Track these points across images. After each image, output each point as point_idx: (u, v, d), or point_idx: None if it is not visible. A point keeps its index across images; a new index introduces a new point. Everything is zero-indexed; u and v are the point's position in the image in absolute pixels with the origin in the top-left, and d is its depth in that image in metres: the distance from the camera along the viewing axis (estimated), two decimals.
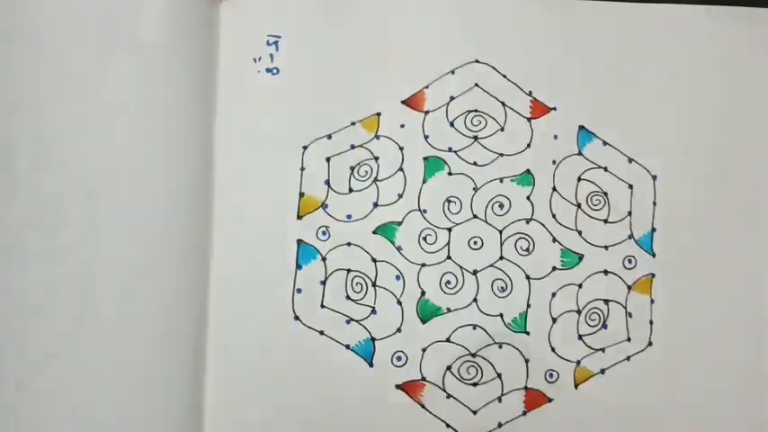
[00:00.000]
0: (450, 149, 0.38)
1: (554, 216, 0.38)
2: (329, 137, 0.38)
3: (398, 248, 0.38)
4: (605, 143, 0.38)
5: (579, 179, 0.38)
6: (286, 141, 0.38)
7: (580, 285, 0.38)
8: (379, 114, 0.38)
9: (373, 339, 0.37)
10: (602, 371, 0.37)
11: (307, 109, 0.38)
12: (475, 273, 0.38)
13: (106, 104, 0.35)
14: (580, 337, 0.38)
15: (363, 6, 0.38)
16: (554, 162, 0.38)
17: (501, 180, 0.38)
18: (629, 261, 0.38)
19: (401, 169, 0.38)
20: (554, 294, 0.38)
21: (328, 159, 0.38)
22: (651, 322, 0.38)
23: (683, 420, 0.37)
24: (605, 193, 0.38)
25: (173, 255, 0.35)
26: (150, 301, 0.35)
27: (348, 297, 0.37)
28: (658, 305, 0.38)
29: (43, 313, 0.34)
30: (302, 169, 0.38)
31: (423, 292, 0.38)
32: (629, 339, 0.38)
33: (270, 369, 0.37)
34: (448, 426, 0.37)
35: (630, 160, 0.38)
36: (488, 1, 0.38)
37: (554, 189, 0.38)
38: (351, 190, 0.38)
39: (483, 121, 0.38)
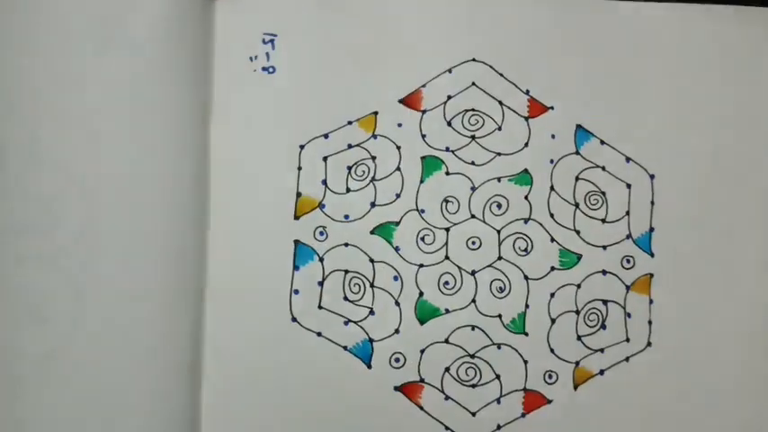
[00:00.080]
0: (447, 149, 0.38)
1: (552, 216, 0.38)
2: (326, 136, 0.38)
3: (396, 249, 0.37)
4: (603, 142, 0.38)
5: (577, 178, 0.38)
6: (282, 141, 0.37)
7: (579, 285, 0.38)
8: (376, 113, 0.38)
9: (371, 340, 0.37)
10: (602, 371, 0.37)
11: (303, 108, 0.38)
12: (473, 273, 0.38)
13: (101, 104, 0.34)
14: (579, 337, 0.37)
15: (360, 5, 0.38)
16: (552, 161, 0.38)
17: (499, 179, 0.38)
18: (628, 261, 0.38)
19: (398, 169, 0.38)
20: (553, 295, 0.38)
21: (325, 159, 0.38)
22: (650, 322, 0.37)
23: (683, 421, 0.37)
24: (603, 193, 0.38)
25: (169, 256, 0.35)
26: (147, 301, 0.34)
27: (346, 298, 0.37)
28: (657, 305, 0.38)
29: (39, 314, 0.34)
30: (299, 169, 0.37)
31: (421, 293, 0.37)
32: (627, 340, 0.37)
33: (267, 370, 0.36)
34: (447, 428, 0.37)
35: (628, 159, 0.38)
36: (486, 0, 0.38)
37: (552, 188, 0.38)
38: (348, 190, 0.38)
39: (480, 121, 0.38)
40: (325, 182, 0.38)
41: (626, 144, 0.38)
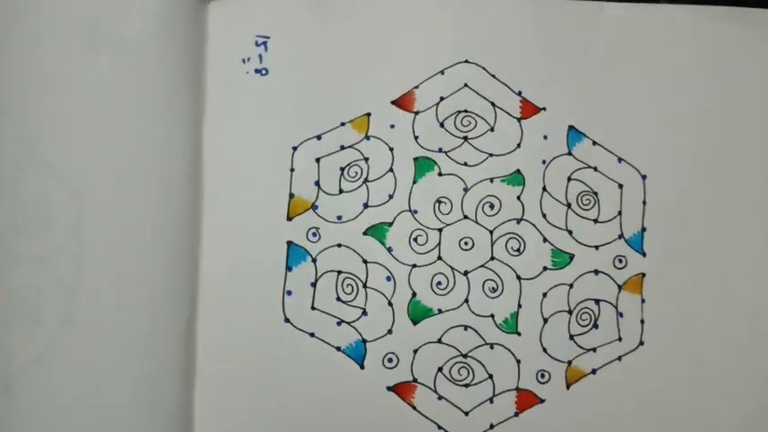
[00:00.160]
0: (440, 150, 0.38)
1: (544, 216, 0.38)
2: (319, 138, 0.38)
3: (389, 249, 0.38)
4: (595, 143, 0.38)
5: (569, 179, 0.38)
6: (275, 142, 0.37)
7: (571, 285, 0.38)
8: (368, 115, 0.38)
9: (364, 341, 0.37)
10: (594, 371, 0.37)
11: (296, 110, 0.38)
12: (466, 273, 0.38)
13: (93, 105, 0.34)
14: (571, 337, 0.38)
15: (353, 7, 0.38)
16: (544, 162, 0.38)
17: (491, 180, 0.38)
18: (620, 261, 0.38)
19: (391, 170, 0.38)
20: (545, 294, 0.38)
21: (318, 160, 0.38)
22: (642, 322, 0.38)
23: (675, 419, 0.37)
24: (595, 193, 0.38)
25: (161, 256, 0.35)
26: (139, 302, 0.34)
27: (339, 299, 0.37)
28: (649, 304, 0.38)
29: (31, 315, 0.34)
30: (292, 170, 0.38)
31: (414, 294, 0.37)
32: (620, 339, 0.38)
33: (260, 371, 0.36)
34: (440, 427, 0.37)
35: (620, 160, 0.38)
36: (478, 1, 0.38)
37: (544, 189, 0.38)
38: (341, 191, 0.38)
39: (473, 122, 0.38)
40: (317, 183, 0.38)
41: (618, 144, 0.38)
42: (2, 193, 0.34)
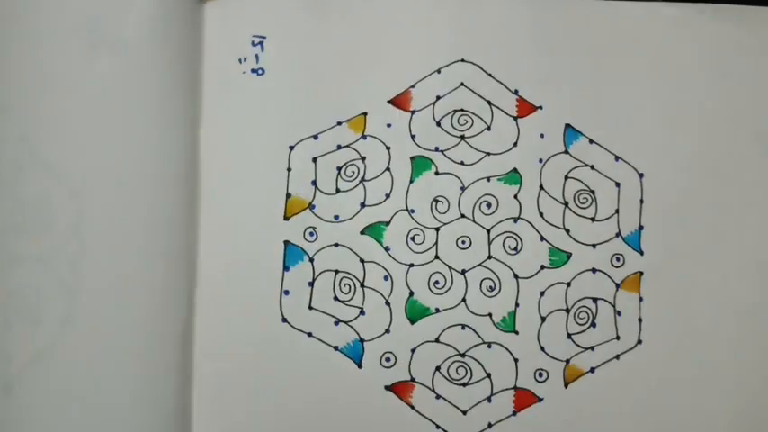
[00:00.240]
0: (436, 149, 0.38)
1: (541, 215, 0.38)
2: (316, 137, 0.38)
3: (386, 249, 0.38)
4: (592, 141, 0.38)
5: (566, 177, 0.38)
6: (272, 142, 0.38)
7: (568, 284, 0.38)
8: (365, 114, 0.38)
9: (362, 340, 0.37)
10: (592, 369, 0.37)
11: (293, 109, 0.38)
12: (463, 272, 0.38)
13: (90, 105, 0.34)
14: (569, 335, 0.38)
15: (349, 6, 0.38)
16: (541, 161, 0.38)
17: (488, 179, 0.38)
18: (618, 259, 0.38)
19: (388, 169, 0.38)
20: (542, 293, 0.38)
21: (315, 160, 0.38)
22: (640, 320, 0.38)
23: (673, 418, 0.37)
24: (592, 192, 0.38)
25: (159, 256, 0.35)
26: (137, 302, 0.34)
27: (336, 298, 0.37)
28: (647, 303, 0.38)
29: (30, 315, 0.34)
30: (289, 170, 0.38)
31: (411, 293, 0.37)
32: (618, 338, 0.38)
33: (258, 371, 0.36)
34: (438, 426, 0.37)
35: (617, 158, 0.38)
36: (474, 0, 0.38)
37: (541, 188, 0.38)
38: (338, 190, 0.38)
39: (469, 121, 0.38)
40: (314, 182, 0.38)
41: (615, 143, 0.38)
42: (2, 193, 0.34)
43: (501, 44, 0.38)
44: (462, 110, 0.38)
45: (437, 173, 0.38)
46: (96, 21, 0.34)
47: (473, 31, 0.38)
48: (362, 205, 0.38)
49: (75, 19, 0.34)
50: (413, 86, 0.38)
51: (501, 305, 0.38)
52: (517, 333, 0.37)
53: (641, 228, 0.38)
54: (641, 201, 0.38)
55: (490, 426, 0.37)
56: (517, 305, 0.38)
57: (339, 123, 0.38)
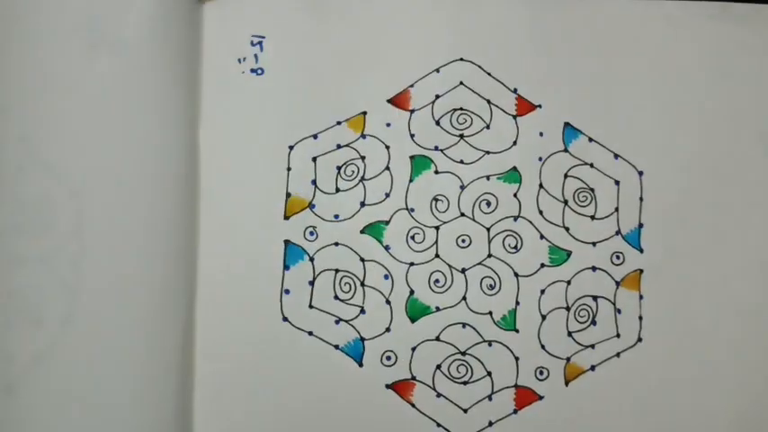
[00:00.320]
0: (436, 148, 0.38)
1: (541, 213, 0.38)
2: (315, 137, 0.38)
3: (386, 248, 0.38)
4: (591, 140, 0.38)
5: (566, 176, 0.38)
6: (272, 141, 0.38)
7: (569, 282, 0.38)
8: (364, 113, 0.38)
9: (362, 339, 0.37)
10: (593, 367, 0.37)
11: (292, 109, 0.38)
12: (463, 271, 0.38)
13: (89, 105, 0.34)
14: (570, 333, 0.38)
15: (347, 6, 0.38)
16: (540, 159, 0.38)
17: (488, 178, 0.38)
18: (618, 257, 0.38)
19: (388, 168, 0.38)
20: (543, 291, 0.38)
21: (315, 159, 0.38)
22: (640, 318, 0.38)
23: (674, 416, 0.37)
24: (592, 190, 0.38)
25: (159, 256, 0.35)
26: (137, 302, 0.34)
27: (336, 297, 0.37)
28: (647, 301, 0.38)
29: (31, 315, 0.34)
30: (288, 169, 0.38)
31: (411, 291, 0.37)
32: (618, 335, 0.38)
33: (259, 370, 0.36)
34: (438, 425, 0.37)
35: (617, 156, 0.38)
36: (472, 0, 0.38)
37: (541, 186, 0.38)
38: (338, 190, 0.38)
39: (469, 120, 0.38)
40: (314, 182, 0.38)
41: (614, 141, 0.38)
42: (2, 193, 0.34)
43: (500, 43, 0.38)
44: (461, 109, 0.38)
45: (437, 172, 0.38)
46: (96, 21, 0.35)
47: (472, 30, 0.38)
48: (362, 204, 0.38)
49: (75, 19, 0.34)
50: (412, 86, 0.38)
51: (501, 303, 0.38)
52: (517, 331, 0.37)
53: (641, 225, 0.38)
54: (641, 199, 0.38)
55: (491, 424, 0.37)
56: (517, 303, 0.38)
57: (339, 123, 0.38)
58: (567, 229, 0.38)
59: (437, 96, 0.38)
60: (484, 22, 0.38)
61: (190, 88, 0.37)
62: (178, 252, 0.36)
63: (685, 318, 0.37)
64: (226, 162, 0.37)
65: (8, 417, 0.34)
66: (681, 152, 0.38)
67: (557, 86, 0.38)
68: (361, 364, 0.37)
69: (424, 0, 0.38)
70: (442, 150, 0.38)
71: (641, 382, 0.37)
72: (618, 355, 0.37)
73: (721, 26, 0.39)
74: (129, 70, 0.35)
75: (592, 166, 0.38)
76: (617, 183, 0.38)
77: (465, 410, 0.37)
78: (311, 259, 0.37)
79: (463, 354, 0.37)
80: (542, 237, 0.38)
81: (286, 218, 0.37)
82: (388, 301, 0.37)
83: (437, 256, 0.38)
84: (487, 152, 0.38)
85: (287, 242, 0.37)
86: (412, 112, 0.38)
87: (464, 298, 0.38)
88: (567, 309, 0.38)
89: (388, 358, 0.37)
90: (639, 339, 0.37)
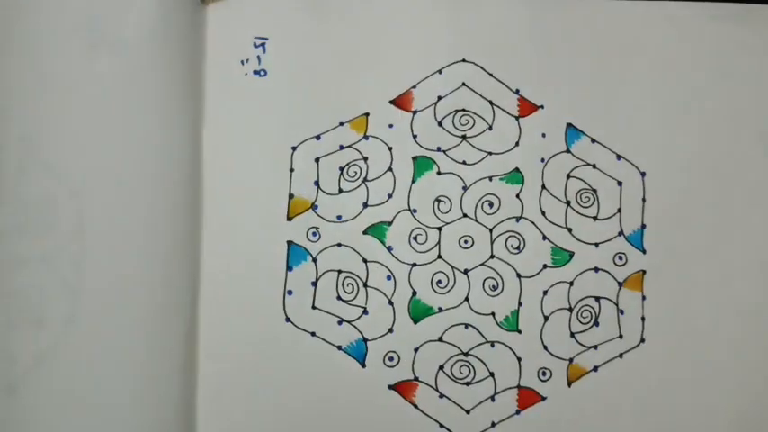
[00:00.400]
0: (438, 149, 0.38)
1: (544, 214, 0.38)
2: (318, 138, 0.38)
3: (389, 248, 0.38)
4: (593, 140, 0.38)
5: (568, 177, 0.38)
6: (274, 143, 0.38)
7: (571, 283, 0.38)
8: (367, 115, 0.38)
9: (365, 340, 0.37)
10: (595, 368, 0.37)
11: (295, 110, 0.38)
12: (466, 272, 0.38)
13: (92, 106, 0.35)
14: (572, 334, 0.38)
15: (350, 7, 0.38)
16: (543, 160, 0.38)
17: (490, 179, 0.38)
18: (620, 258, 0.38)
19: (390, 169, 0.38)
20: (545, 292, 0.38)
21: (317, 160, 0.38)
22: (643, 319, 0.38)
23: (676, 417, 0.37)
24: (594, 191, 0.38)
25: (162, 257, 0.35)
26: (140, 302, 0.34)
27: (339, 298, 0.37)
28: (650, 301, 0.38)
29: (34, 315, 0.34)
30: (291, 170, 0.38)
31: (414, 292, 0.37)
32: (621, 336, 0.38)
33: (262, 371, 0.36)
34: (441, 426, 0.37)
35: (619, 157, 0.38)
36: (473, 1, 0.39)
37: (543, 187, 0.38)
38: (340, 191, 0.38)
39: (471, 121, 0.38)
40: (317, 183, 0.38)
41: (616, 142, 0.38)
42: (5, 194, 0.34)
43: (501, 44, 0.38)
44: (464, 110, 0.38)
45: (439, 173, 0.38)
46: (96, 21, 0.35)
47: (474, 31, 0.38)
48: (365, 205, 0.38)
49: (75, 19, 0.35)
50: (414, 87, 0.38)
51: (504, 304, 0.38)
52: (520, 332, 0.37)
53: (644, 226, 0.38)
54: (643, 199, 0.38)
55: (494, 425, 0.37)
56: (520, 304, 0.38)
57: (341, 124, 0.38)
58: (570, 230, 0.38)
59: (439, 97, 0.38)
60: (484, 23, 0.38)
61: (193, 89, 0.37)
62: (180, 252, 0.36)
63: (688, 318, 0.37)
64: (229, 163, 0.37)
65: (10, 417, 0.34)
66: (683, 153, 0.38)
67: (559, 87, 0.38)
68: (363, 365, 0.37)
69: (424, 1, 0.38)
70: (444, 151, 0.38)
71: (644, 383, 0.37)
72: (620, 355, 0.37)
73: (722, 26, 0.39)
74: (130, 70, 0.35)
75: (594, 166, 0.38)
76: (620, 184, 0.38)
77: (468, 411, 0.37)
78: (314, 260, 0.37)
79: (466, 354, 0.37)
80: (545, 238, 0.38)
81: (289, 219, 0.37)
82: (390, 302, 0.37)
83: (440, 256, 0.38)
84: (490, 153, 0.38)
85: (290, 243, 0.37)
86: (414, 113, 0.38)
87: (467, 299, 0.38)
88: (570, 309, 0.38)
89: (391, 359, 0.37)
90: (642, 340, 0.37)
